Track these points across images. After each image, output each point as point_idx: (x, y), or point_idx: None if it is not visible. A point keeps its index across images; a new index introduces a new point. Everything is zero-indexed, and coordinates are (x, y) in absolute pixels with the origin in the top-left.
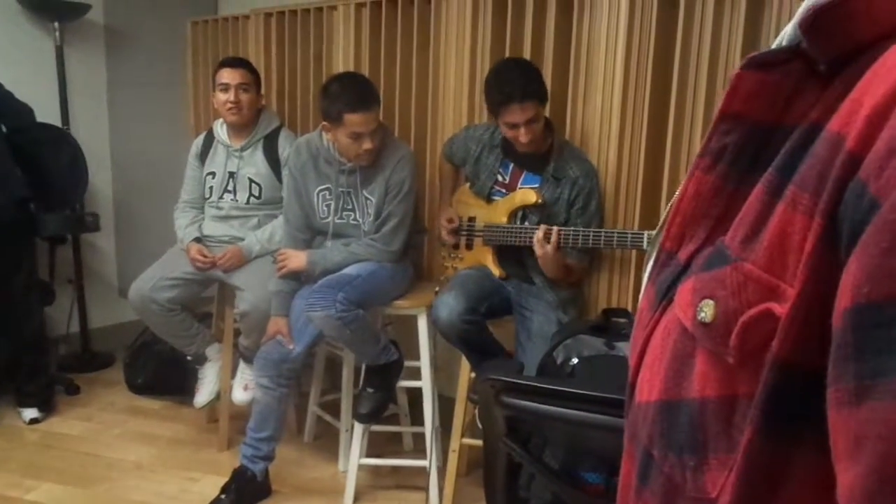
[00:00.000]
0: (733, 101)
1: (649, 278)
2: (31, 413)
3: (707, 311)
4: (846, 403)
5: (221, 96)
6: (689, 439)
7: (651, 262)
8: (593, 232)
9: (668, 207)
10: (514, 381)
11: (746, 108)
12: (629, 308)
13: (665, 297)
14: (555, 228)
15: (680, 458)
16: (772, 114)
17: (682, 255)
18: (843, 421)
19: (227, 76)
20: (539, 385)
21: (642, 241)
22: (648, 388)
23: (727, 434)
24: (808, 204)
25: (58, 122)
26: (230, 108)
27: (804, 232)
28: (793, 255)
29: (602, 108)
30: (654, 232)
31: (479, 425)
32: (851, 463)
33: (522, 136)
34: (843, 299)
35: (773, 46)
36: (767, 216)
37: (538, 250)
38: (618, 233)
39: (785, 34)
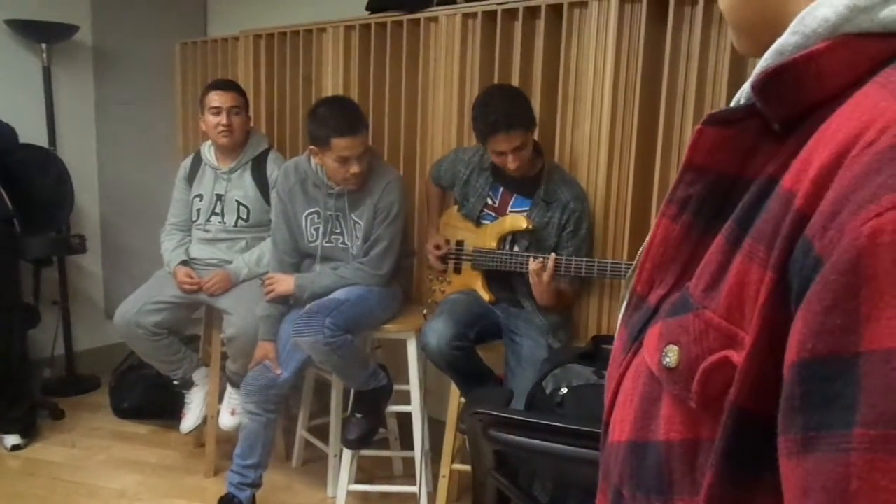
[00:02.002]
0: (696, 154)
1: (622, 320)
2: (12, 440)
3: (672, 356)
4: (794, 454)
5: (212, 119)
6: (655, 481)
7: (624, 305)
8: (586, 261)
9: (639, 252)
10: (502, 415)
11: (708, 161)
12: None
13: (636, 339)
14: (551, 257)
15: (648, 499)
16: (732, 167)
17: (652, 298)
18: (791, 470)
19: (218, 99)
20: (526, 419)
21: None
22: (620, 428)
23: (691, 477)
24: (763, 256)
25: (44, 143)
26: (222, 131)
27: (759, 283)
28: (750, 305)
29: (591, 133)
30: (630, 270)
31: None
32: None
33: (510, 164)
34: (790, 353)
35: (733, 104)
36: (727, 266)
37: (532, 279)
38: (611, 263)
39: (743, 92)
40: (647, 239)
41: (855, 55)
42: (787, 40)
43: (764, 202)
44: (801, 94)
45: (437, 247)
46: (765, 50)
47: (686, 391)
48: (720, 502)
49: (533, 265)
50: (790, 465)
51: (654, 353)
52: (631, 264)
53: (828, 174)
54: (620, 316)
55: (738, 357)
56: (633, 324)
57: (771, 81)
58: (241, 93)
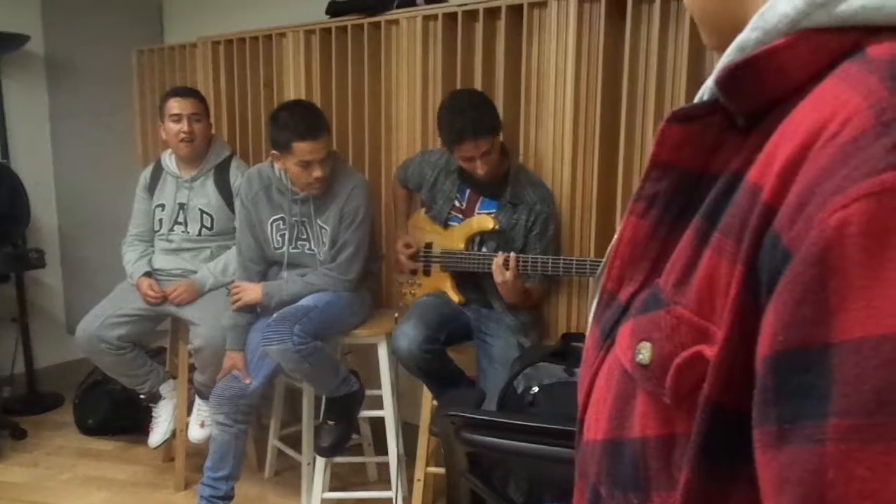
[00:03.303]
0: (661, 150)
1: (594, 318)
2: None
3: (644, 353)
4: (769, 447)
5: (173, 127)
6: (632, 478)
7: (595, 302)
8: (552, 259)
9: (609, 249)
10: (474, 416)
11: (674, 157)
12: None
13: (608, 337)
14: (512, 255)
15: (625, 497)
16: (698, 163)
17: (623, 295)
18: (767, 463)
19: (179, 106)
20: (499, 420)
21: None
22: (595, 426)
23: (668, 473)
24: (732, 251)
25: None
26: (183, 139)
27: (729, 277)
28: (720, 299)
29: (554, 132)
30: (600, 267)
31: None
32: None
33: (479, 169)
34: (762, 346)
35: (696, 100)
36: (696, 261)
37: (497, 277)
38: (576, 260)
39: (706, 88)
40: (616, 236)
41: (814, 50)
42: (747, 36)
43: (730, 197)
44: (764, 89)
45: (408, 245)
46: (729, 44)
47: (660, 387)
48: (697, 497)
49: (496, 262)
50: (765, 457)
51: (627, 351)
52: (596, 261)
53: (793, 167)
54: (591, 314)
55: (710, 351)
56: (604, 321)
57: (734, 77)
58: (201, 99)
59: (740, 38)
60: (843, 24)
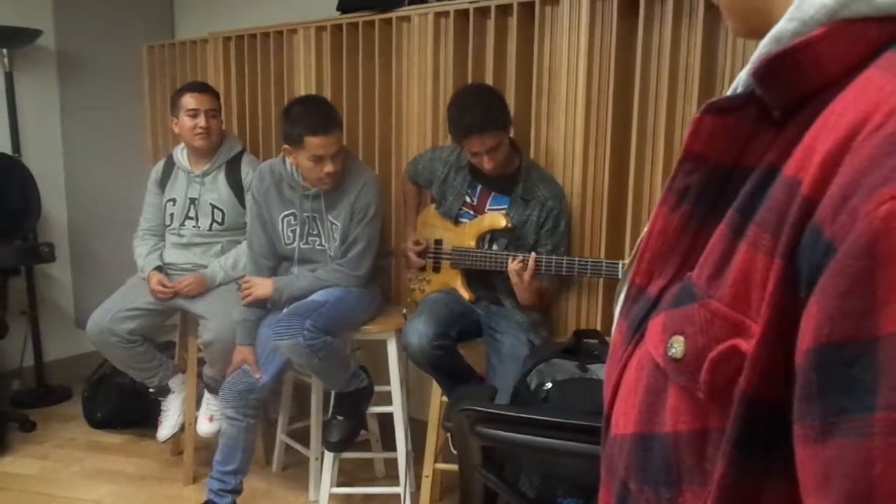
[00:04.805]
0: (695, 143)
1: (621, 312)
2: None
3: (677, 347)
4: (812, 440)
5: (189, 122)
6: (663, 472)
7: (622, 297)
8: (566, 260)
9: (637, 243)
10: (489, 411)
11: (707, 149)
12: (599, 328)
13: (637, 331)
14: (532, 256)
15: (656, 491)
16: (731, 155)
17: (652, 290)
18: (809, 457)
19: (196, 101)
20: (514, 414)
21: (617, 271)
22: (623, 421)
23: (700, 467)
24: (769, 244)
25: (8, 150)
26: (199, 133)
27: (766, 271)
28: (756, 293)
29: (565, 128)
30: (628, 261)
31: (454, 451)
32: (819, 499)
33: (486, 164)
34: (805, 340)
35: (729, 92)
36: (731, 255)
37: (514, 279)
38: (592, 261)
39: (740, 81)
40: (646, 230)
41: (854, 40)
42: (784, 27)
43: (766, 190)
44: (802, 81)
45: (417, 242)
46: (755, 31)
47: (694, 382)
48: (732, 492)
49: (513, 265)
50: (808, 451)
51: (659, 345)
52: (612, 262)
53: (834, 160)
54: (618, 308)
55: (746, 345)
56: (633, 316)
57: (771, 68)
58: (216, 96)
59: (777, 29)
60: (881, 13)
